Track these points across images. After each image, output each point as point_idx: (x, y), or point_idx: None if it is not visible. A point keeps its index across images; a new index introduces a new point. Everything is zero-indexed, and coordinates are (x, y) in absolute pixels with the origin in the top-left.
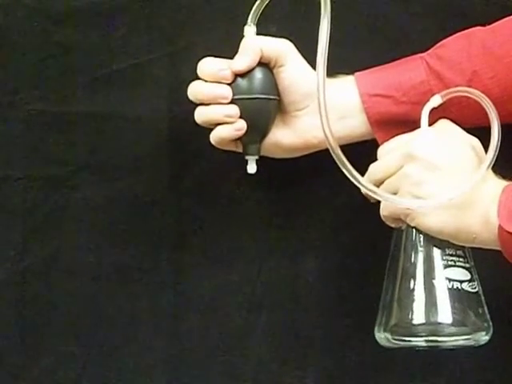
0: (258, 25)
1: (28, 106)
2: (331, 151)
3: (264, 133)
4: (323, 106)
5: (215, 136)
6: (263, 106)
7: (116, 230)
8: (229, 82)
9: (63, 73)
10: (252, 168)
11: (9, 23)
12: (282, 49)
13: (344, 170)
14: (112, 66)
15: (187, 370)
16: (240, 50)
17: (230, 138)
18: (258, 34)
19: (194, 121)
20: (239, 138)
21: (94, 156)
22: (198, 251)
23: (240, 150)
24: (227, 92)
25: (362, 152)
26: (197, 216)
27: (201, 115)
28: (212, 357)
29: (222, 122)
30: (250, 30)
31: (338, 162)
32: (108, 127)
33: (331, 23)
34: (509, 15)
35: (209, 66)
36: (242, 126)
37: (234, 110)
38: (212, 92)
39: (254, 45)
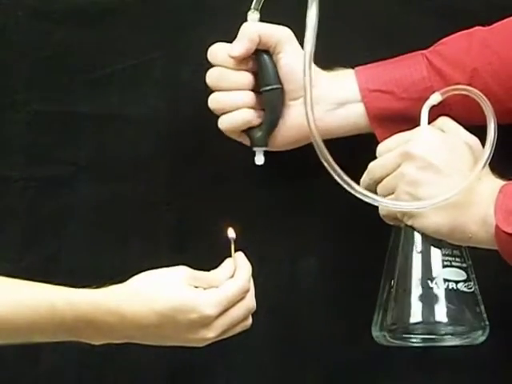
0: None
1: (28, 106)
2: (318, 151)
3: (274, 123)
4: (309, 106)
5: (233, 120)
6: (272, 96)
7: (116, 230)
8: (234, 67)
9: (63, 73)
10: (260, 159)
11: (9, 23)
12: (280, 35)
13: (330, 171)
14: (112, 66)
15: (187, 370)
16: (238, 36)
17: (249, 124)
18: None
19: (194, 121)
20: (246, 131)
21: (94, 156)
22: (198, 251)
23: (242, 140)
24: (253, 80)
25: (360, 150)
26: (197, 216)
27: (221, 101)
28: (212, 357)
29: (241, 108)
30: (252, 16)
31: (322, 160)
32: (108, 127)
33: (331, 21)
34: (509, 16)
35: (216, 50)
36: (260, 114)
37: (257, 98)
38: (234, 79)
39: (251, 31)
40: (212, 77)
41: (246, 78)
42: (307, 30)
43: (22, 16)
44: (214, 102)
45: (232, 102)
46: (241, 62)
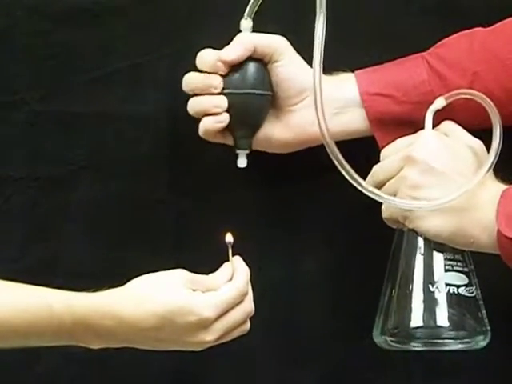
0: (254, 23)
1: (28, 106)
2: (328, 149)
3: (255, 128)
4: (320, 107)
5: (200, 127)
6: (255, 100)
7: (116, 230)
8: (222, 73)
9: (63, 73)
10: (242, 162)
11: (9, 23)
12: (276, 44)
13: (339, 167)
14: (112, 65)
15: (188, 370)
16: (232, 43)
17: (212, 129)
18: (254, 31)
19: (194, 121)
20: (230, 132)
21: (94, 156)
22: (198, 251)
23: (228, 142)
24: (217, 82)
25: (363, 153)
26: (197, 216)
27: (192, 105)
28: (212, 357)
29: (210, 112)
30: (246, 23)
31: (332, 157)
32: (108, 127)
33: (332, 22)
34: (509, 16)
35: (205, 56)
36: (224, 118)
37: (222, 100)
38: (203, 81)
39: (245, 38)
40: (185, 81)
41: (216, 81)
42: (316, 39)
43: (21, 16)
44: (189, 106)
45: (200, 105)
46: (227, 68)
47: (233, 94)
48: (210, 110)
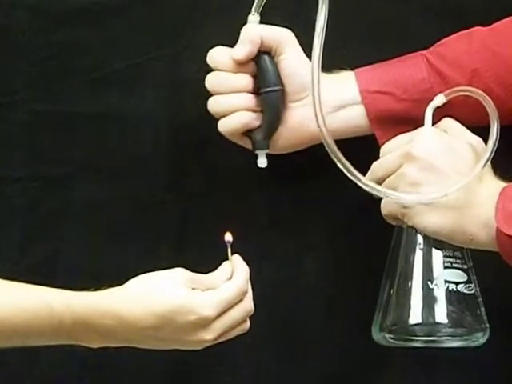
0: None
1: (28, 105)
2: (325, 143)
3: (276, 125)
4: (317, 101)
5: (235, 122)
6: (273, 97)
7: (116, 230)
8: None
9: (63, 73)
10: (262, 162)
11: (9, 23)
12: (282, 37)
13: (337, 162)
14: (112, 65)
15: (188, 370)
16: (240, 38)
17: (250, 126)
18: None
19: (194, 121)
20: (248, 132)
21: (94, 156)
22: (198, 251)
23: (244, 143)
24: (252, 82)
25: (363, 150)
26: (197, 216)
27: (222, 103)
28: (212, 357)
29: (239, 110)
30: (253, 19)
31: (330, 153)
32: (108, 127)
33: (332, 21)
34: (509, 15)
35: (217, 55)
36: (260, 116)
37: (259, 99)
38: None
39: (253, 33)
40: (211, 81)
41: (245, 81)
42: (316, 32)
43: (22, 16)
44: (213, 105)
45: (230, 104)
46: (241, 65)
47: (263, 93)
48: (249, 108)
